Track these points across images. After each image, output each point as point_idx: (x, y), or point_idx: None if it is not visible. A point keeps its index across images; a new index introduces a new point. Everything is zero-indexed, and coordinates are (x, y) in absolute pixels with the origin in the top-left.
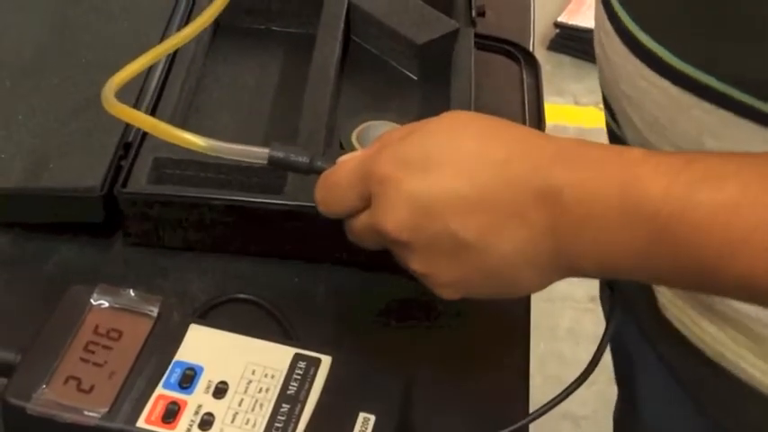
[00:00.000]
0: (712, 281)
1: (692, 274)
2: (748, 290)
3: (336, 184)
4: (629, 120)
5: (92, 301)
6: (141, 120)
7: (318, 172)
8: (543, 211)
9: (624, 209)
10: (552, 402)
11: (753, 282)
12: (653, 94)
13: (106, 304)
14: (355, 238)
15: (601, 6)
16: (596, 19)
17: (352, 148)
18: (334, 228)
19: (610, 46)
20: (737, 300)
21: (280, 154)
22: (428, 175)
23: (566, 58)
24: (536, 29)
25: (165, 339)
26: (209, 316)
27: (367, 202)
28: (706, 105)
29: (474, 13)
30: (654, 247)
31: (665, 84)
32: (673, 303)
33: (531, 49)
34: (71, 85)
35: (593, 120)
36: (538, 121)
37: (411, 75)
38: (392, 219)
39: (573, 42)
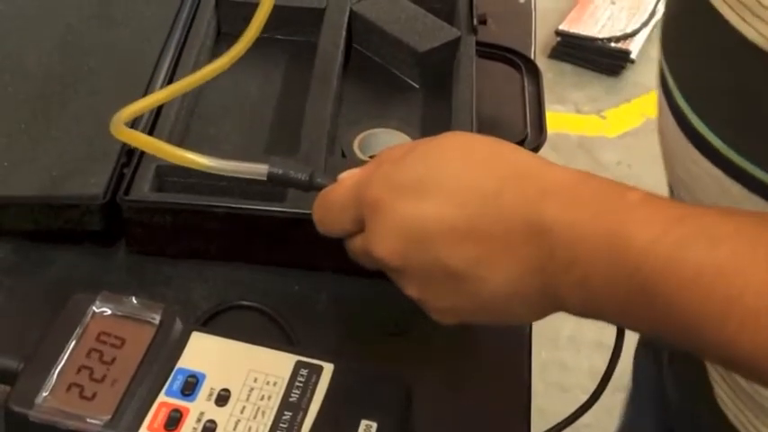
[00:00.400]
0: (694, 343)
1: (673, 333)
2: (732, 359)
3: (332, 206)
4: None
5: (94, 308)
6: (148, 143)
7: (318, 189)
8: (533, 247)
9: (609, 258)
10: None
11: (736, 351)
12: (705, 181)
13: (109, 312)
14: (353, 257)
15: (658, 76)
16: (657, 90)
17: (354, 157)
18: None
19: (665, 124)
20: (721, 366)
21: (279, 170)
22: (420, 201)
23: (567, 67)
24: (537, 37)
25: (167, 347)
26: (212, 323)
27: (361, 225)
28: (757, 199)
29: (475, 22)
30: (634, 300)
31: (717, 172)
32: (731, 401)
33: (532, 56)
34: (73, 93)
35: (594, 128)
36: (539, 130)
37: (413, 83)
38: (383, 245)
39: (575, 50)
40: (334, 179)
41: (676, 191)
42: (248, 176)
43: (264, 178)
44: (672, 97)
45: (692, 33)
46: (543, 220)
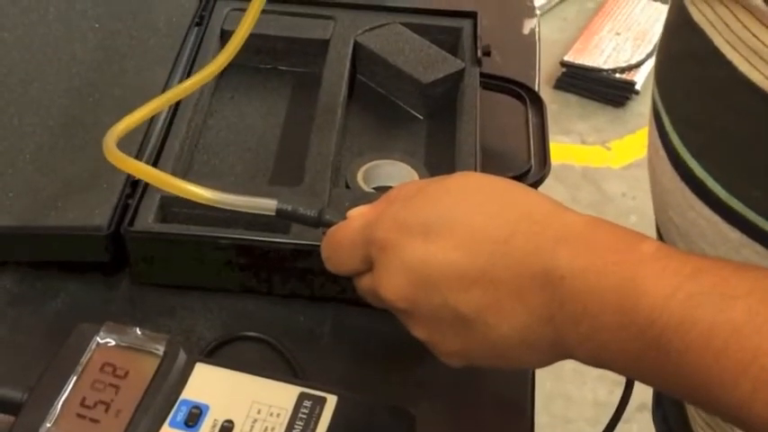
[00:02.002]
0: (706, 402)
1: (685, 390)
2: (746, 420)
3: (340, 245)
4: None
5: (98, 339)
6: (145, 172)
7: (327, 225)
8: (543, 296)
9: (620, 310)
10: None
11: (750, 413)
12: (701, 226)
13: (113, 342)
14: (361, 295)
15: (652, 117)
16: (648, 132)
17: (358, 188)
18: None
19: (659, 166)
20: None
21: (288, 207)
22: (428, 244)
23: (572, 97)
24: (542, 67)
25: (171, 378)
26: (216, 354)
27: (370, 265)
28: (759, 248)
29: (479, 53)
30: (645, 357)
31: (716, 218)
32: None
33: (536, 88)
34: (78, 124)
35: (599, 159)
36: (543, 161)
37: (417, 114)
38: (391, 287)
39: (579, 81)
40: (343, 216)
41: (666, 234)
42: (256, 212)
43: (273, 213)
44: (668, 139)
45: (692, 75)
46: (554, 270)
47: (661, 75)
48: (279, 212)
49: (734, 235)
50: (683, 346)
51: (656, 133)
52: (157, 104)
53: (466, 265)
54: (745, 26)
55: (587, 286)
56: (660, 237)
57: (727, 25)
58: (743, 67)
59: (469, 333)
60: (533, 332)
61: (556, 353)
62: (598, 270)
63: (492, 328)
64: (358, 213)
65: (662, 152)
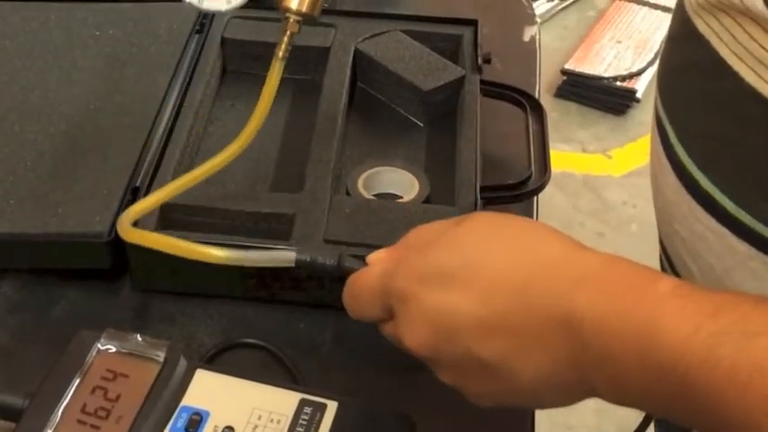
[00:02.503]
0: None
1: (709, 426)
2: None
3: (361, 295)
4: (684, 263)
5: (99, 345)
6: (161, 241)
7: (347, 272)
8: (565, 340)
9: (642, 353)
10: None
11: None
12: (709, 239)
13: (113, 349)
14: (387, 338)
15: (655, 129)
16: (651, 143)
17: (359, 195)
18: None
19: (663, 178)
20: None
21: (306, 257)
22: (447, 294)
23: (572, 105)
24: (543, 76)
25: (171, 384)
26: (216, 361)
27: (391, 313)
28: (765, 258)
29: (480, 60)
30: (670, 396)
31: (723, 231)
32: None
33: (537, 95)
34: (79, 131)
35: (600, 167)
36: (543, 169)
37: (417, 121)
38: (414, 337)
39: (580, 89)
40: (363, 261)
41: (671, 246)
42: (275, 265)
43: (292, 264)
44: (672, 150)
45: (697, 86)
46: (573, 315)
47: (664, 85)
48: (298, 263)
49: (742, 248)
50: (706, 386)
51: (659, 144)
52: (172, 189)
53: (486, 313)
54: (751, 37)
55: (608, 329)
56: (664, 249)
57: (733, 36)
58: (749, 77)
59: (495, 379)
60: (558, 376)
61: (582, 392)
62: (618, 312)
63: (517, 374)
64: (377, 259)
65: (666, 163)
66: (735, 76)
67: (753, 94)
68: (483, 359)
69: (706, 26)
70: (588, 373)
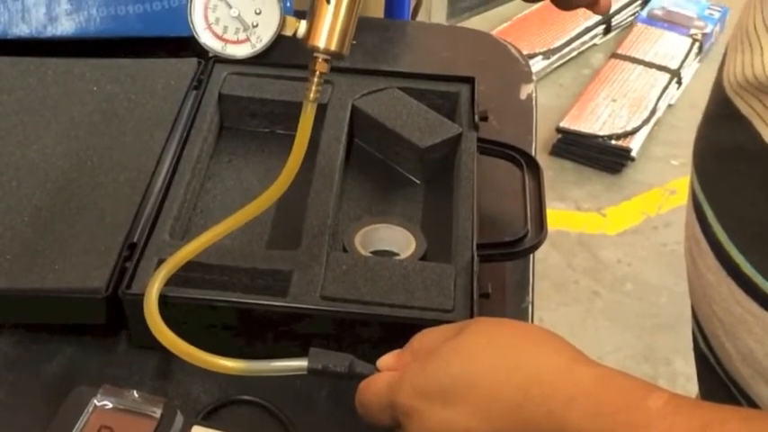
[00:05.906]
0: None
1: None
2: None
3: (371, 404)
4: (722, 345)
5: (95, 401)
6: (177, 345)
7: (359, 378)
8: None
9: None
10: None
11: None
12: (749, 323)
13: (110, 405)
14: None
15: (692, 208)
16: (687, 222)
17: (356, 252)
18: (338, 330)
19: (701, 259)
20: None
21: (318, 366)
22: (447, 411)
23: (568, 163)
24: (538, 133)
25: None
26: (213, 417)
27: (399, 423)
28: None
29: (477, 118)
30: None
31: (764, 315)
32: None
33: (533, 153)
34: (76, 187)
35: (594, 225)
36: (540, 226)
37: (414, 178)
38: None
39: (575, 147)
40: (374, 366)
41: (709, 327)
42: (289, 374)
43: (305, 372)
44: (711, 231)
45: (740, 169)
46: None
47: (702, 165)
48: (310, 371)
49: None
50: None
51: (696, 225)
52: (182, 256)
53: (485, 429)
54: None
55: None
56: (701, 329)
57: None
58: None
59: None
60: None
61: None
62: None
63: None
64: (385, 365)
65: (705, 245)
66: None
67: None
68: None
69: (748, 107)
70: None
